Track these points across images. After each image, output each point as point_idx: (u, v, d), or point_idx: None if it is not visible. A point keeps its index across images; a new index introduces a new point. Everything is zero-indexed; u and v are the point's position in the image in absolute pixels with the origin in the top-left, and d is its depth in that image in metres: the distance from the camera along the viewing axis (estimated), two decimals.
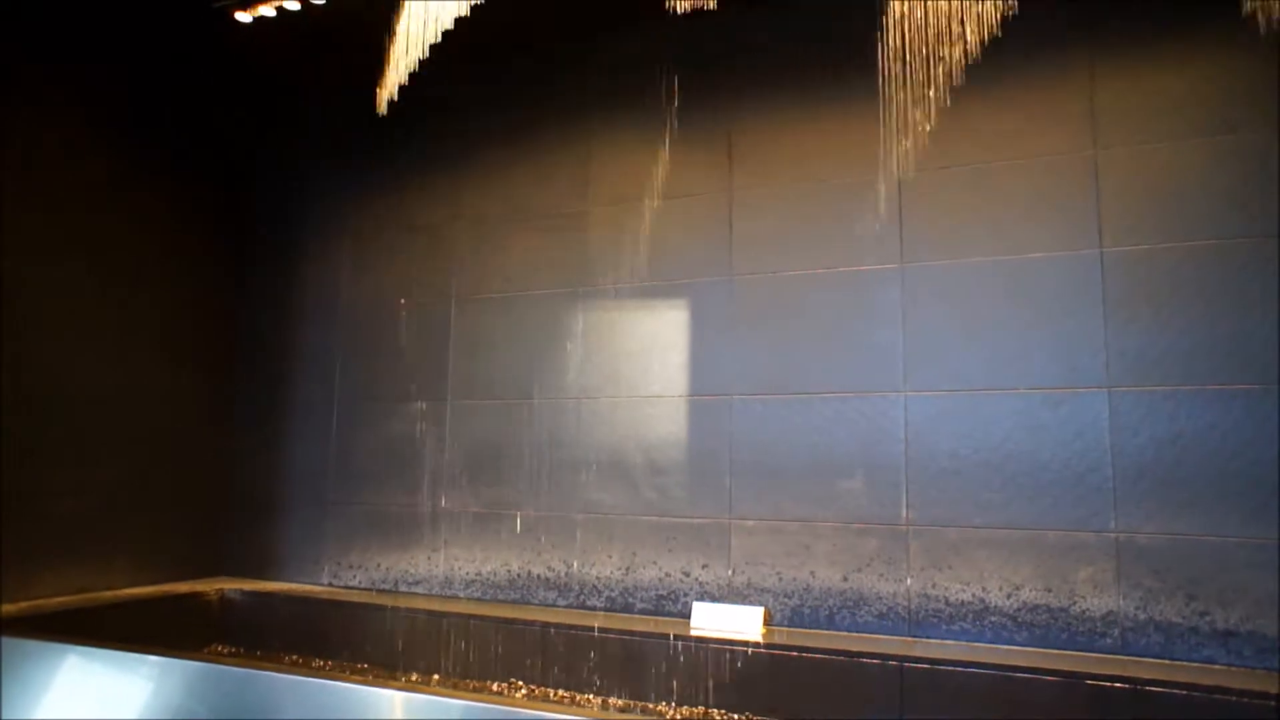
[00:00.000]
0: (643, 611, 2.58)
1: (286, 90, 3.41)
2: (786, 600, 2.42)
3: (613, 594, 2.64)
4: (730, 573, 2.50)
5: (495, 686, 2.46)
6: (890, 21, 2.37)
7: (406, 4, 2.54)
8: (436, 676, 2.55)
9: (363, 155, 3.24)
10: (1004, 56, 2.37)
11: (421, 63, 2.45)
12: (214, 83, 3.26)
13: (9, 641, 2.10)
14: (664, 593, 2.57)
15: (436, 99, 3.10)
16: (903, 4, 2.29)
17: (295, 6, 2.70)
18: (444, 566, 2.89)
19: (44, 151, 2.68)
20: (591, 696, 2.36)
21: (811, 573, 2.40)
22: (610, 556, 2.65)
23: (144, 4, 2.83)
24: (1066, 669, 1.94)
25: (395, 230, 3.16)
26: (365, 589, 2.98)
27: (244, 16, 2.77)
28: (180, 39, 3.04)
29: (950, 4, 2.31)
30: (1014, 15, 2.36)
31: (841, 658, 2.12)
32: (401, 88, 2.45)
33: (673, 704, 2.26)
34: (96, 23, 2.84)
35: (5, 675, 2.08)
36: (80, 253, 2.77)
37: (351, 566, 3.04)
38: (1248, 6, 2.02)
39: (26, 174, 2.62)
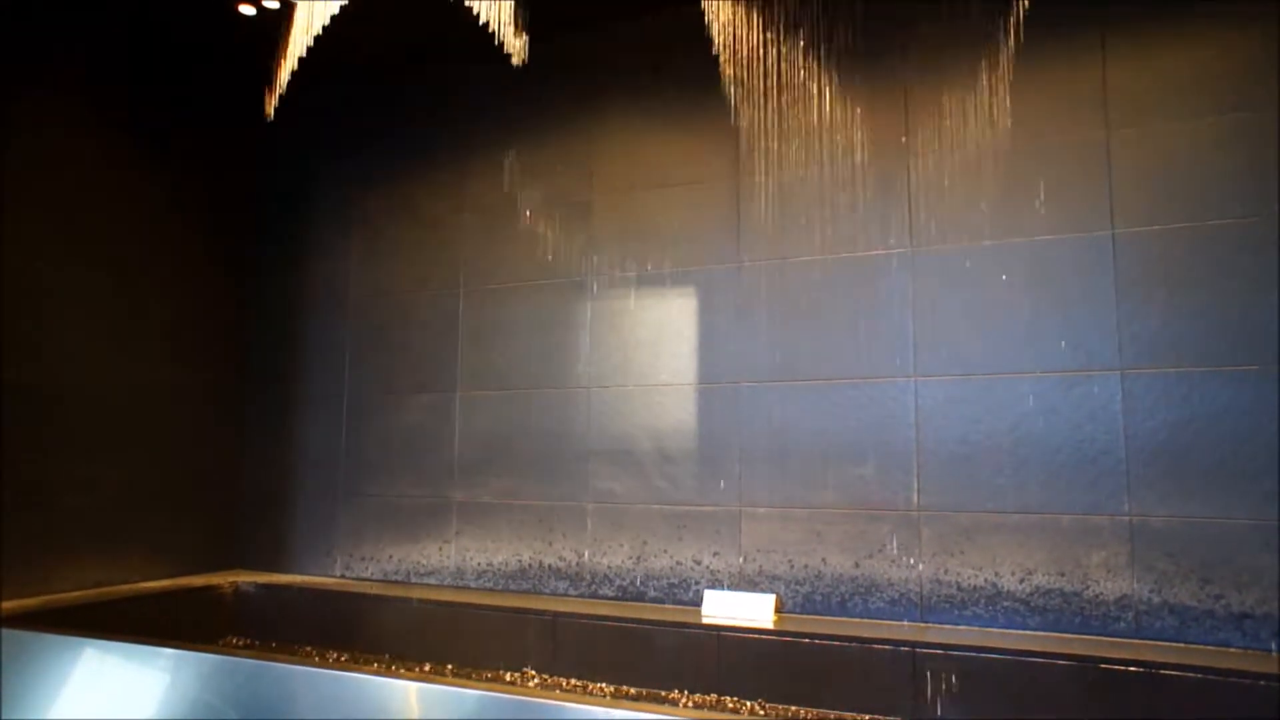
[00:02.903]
0: (654, 600, 2.59)
1: (293, 84, 3.40)
2: (798, 587, 2.42)
3: (624, 583, 2.64)
4: (741, 560, 2.50)
5: (508, 676, 2.47)
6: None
7: None
8: (450, 666, 2.56)
9: (370, 148, 3.23)
10: (1016, 40, 2.34)
11: (427, 56, 2.45)
12: (220, 77, 3.25)
13: (26, 635, 2.12)
14: (675, 581, 2.57)
15: (441, 92, 3.09)
16: None
17: None
18: (456, 557, 2.90)
19: (49, 150, 2.69)
20: (604, 685, 2.36)
21: (823, 559, 2.40)
22: (621, 545, 2.66)
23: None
24: (1080, 653, 1.93)
25: (404, 222, 3.16)
26: (378, 580, 2.99)
27: (248, 9, 2.77)
28: (185, 32, 3.03)
29: None
30: None
31: (853, 644, 2.12)
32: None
33: (685, 691, 2.27)
34: (99, 20, 2.84)
35: (22, 669, 2.10)
36: (88, 249, 2.78)
37: (364, 558, 3.05)
38: None
39: (32, 174, 2.62)
